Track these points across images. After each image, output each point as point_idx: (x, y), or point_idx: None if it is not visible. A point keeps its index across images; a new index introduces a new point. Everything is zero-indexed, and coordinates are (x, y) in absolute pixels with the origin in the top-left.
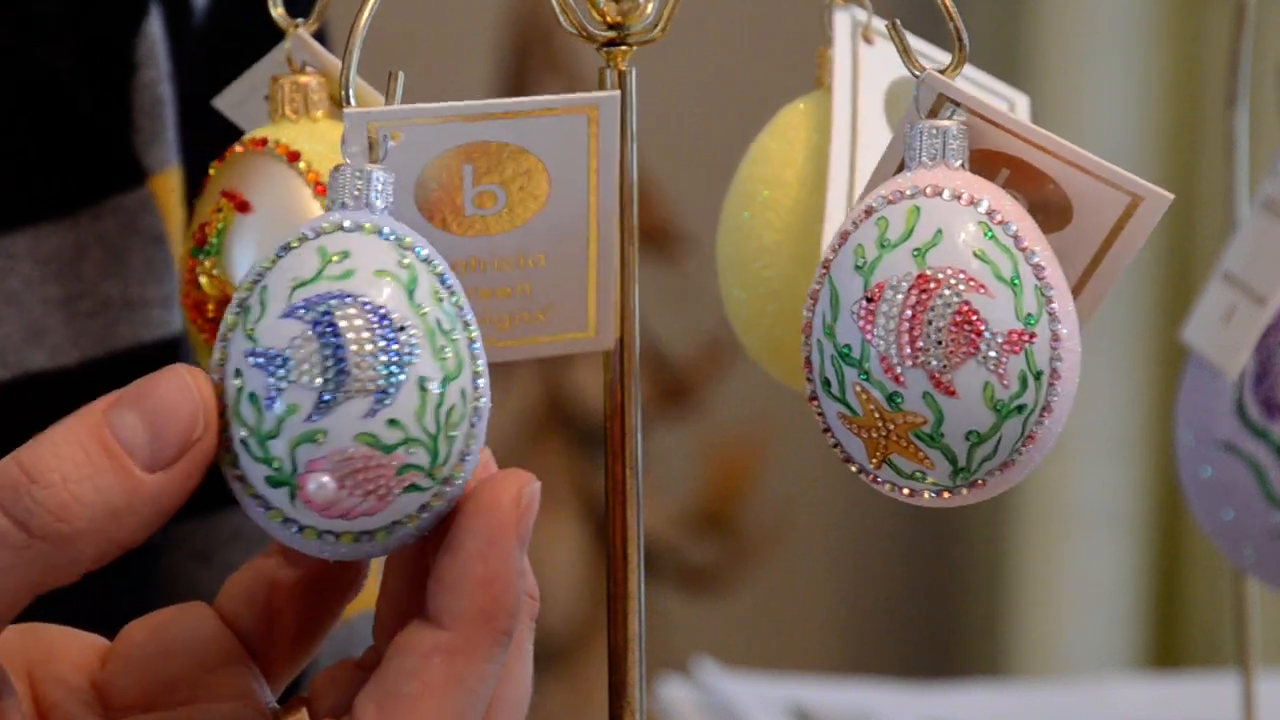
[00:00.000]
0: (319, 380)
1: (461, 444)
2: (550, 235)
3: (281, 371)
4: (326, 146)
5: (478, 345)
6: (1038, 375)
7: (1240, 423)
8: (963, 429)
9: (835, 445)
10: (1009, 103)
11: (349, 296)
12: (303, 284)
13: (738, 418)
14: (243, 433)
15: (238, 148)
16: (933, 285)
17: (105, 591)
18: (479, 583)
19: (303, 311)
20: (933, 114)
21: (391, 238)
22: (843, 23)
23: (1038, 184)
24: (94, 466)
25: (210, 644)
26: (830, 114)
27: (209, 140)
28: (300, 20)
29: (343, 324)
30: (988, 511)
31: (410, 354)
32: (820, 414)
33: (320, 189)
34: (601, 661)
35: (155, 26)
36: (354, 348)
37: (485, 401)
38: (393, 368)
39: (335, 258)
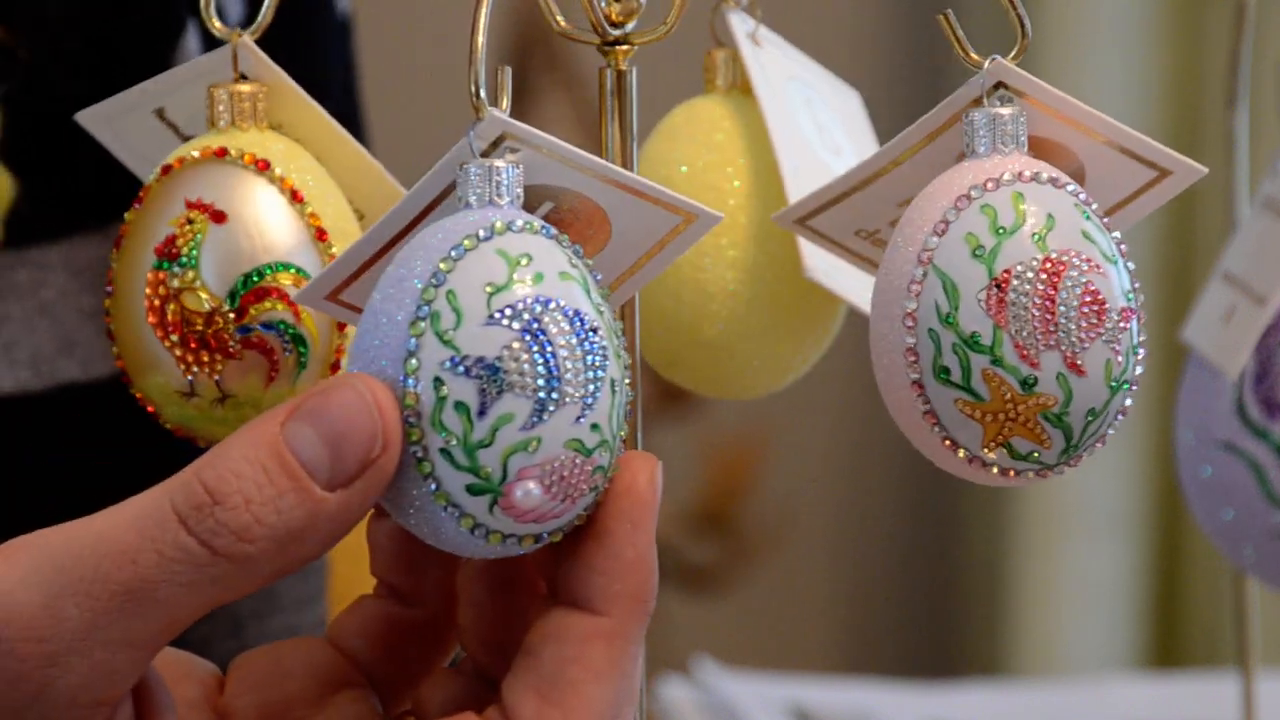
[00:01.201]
0: (534, 389)
1: (623, 440)
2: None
3: (495, 380)
4: (283, 156)
5: (622, 337)
6: (1135, 349)
7: (1240, 422)
8: (1085, 407)
9: (939, 432)
10: (858, 94)
11: (550, 301)
12: (499, 290)
13: (738, 418)
14: (445, 441)
15: (187, 156)
16: (1060, 268)
17: None
18: (629, 566)
19: (509, 320)
20: (977, 103)
21: (553, 236)
22: (738, 25)
23: (1055, 161)
24: (275, 488)
25: (327, 667)
26: (734, 115)
27: None
28: (240, 29)
29: (552, 329)
30: (988, 511)
31: (605, 356)
32: (925, 404)
33: (298, 197)
34: None
35: (192, 42)
36: (565, 353)
37: (630, 393)
38: (596, 371)
39: (522, 261)
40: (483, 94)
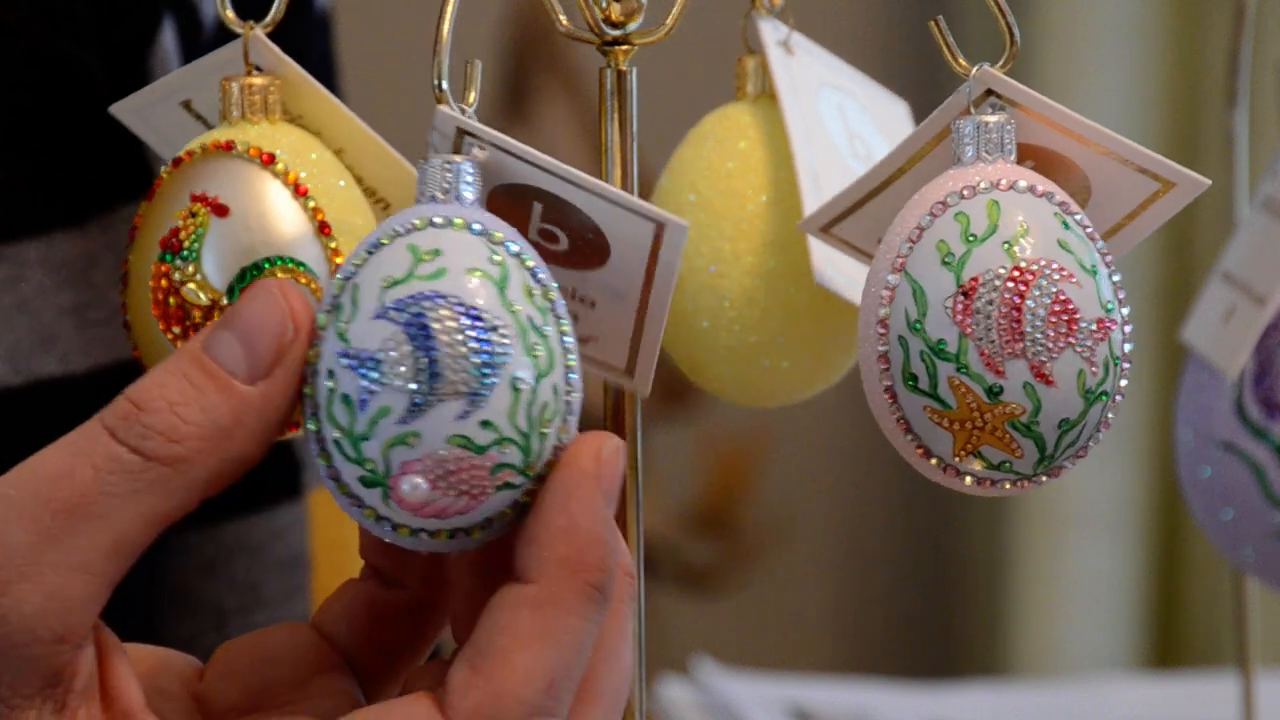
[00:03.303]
0: (412, 384)
1: (554, 439)
2: (604, 291)
3: (374, 374)
4: (290, 149)
5: (570, 339)
6: (1116, 360)
7: (1240, 423)
8: (1057, 417)
9: (912, 440)
10: (905, 104)
11: (441, 297)
12: (395, 283)
13: (738, 418)
14: (335, 434)
15: (197, 149)
16: (1029, 276)
17: (112, 603)
18: (560, 533)
19: (395, 312)
20: (973, 108)
21: (482, 233)
22: (769, 32)
23: (1061, 174)
24: (197, 388)
25: (310, 651)
26: (759, 122)
27: None
28: (253, 22)
29: (435, 326)
30: (988, 511)
31: (503, 354)
32: (898, 410)
33: (301, 191)
34: None
35: (168, 38)
36: (447, 350)
37: (578, 396)
38: (486, 369)
39: (427, 256)
40: (444, 86)
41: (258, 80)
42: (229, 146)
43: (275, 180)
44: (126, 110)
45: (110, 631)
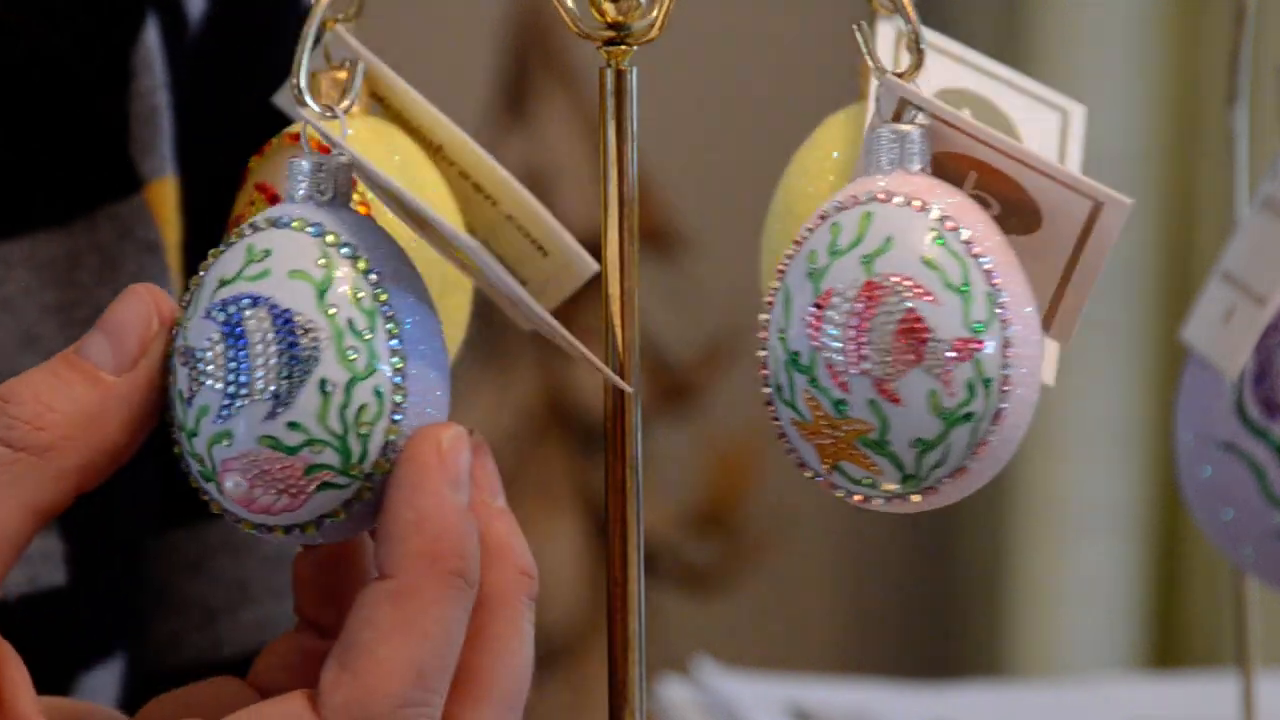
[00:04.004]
0: (221, 384)
1: (380, 440)
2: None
3: (196, 371)
4: (363, 142)
5: (405, 341)
6: (987, 383)
7: (1240, 423)
8: (909, 436)
9: (790, 451)
10: (1063, 112)
11: (259, 299)
12: (224, 283)
13: (738, 418)
14: (174, 428)
15: (274, 141)
16: (879, 292)
17: (97, 603)
18: (410, 526)
19: (217, 312)
20: (896, 118)
21: (319, 234)
22: (885, 34)
23: (1008, 187)
24: (64, 381)
25: (239, 702)
26: (849, 129)
27: (204, 149)
28: (340, 16)
29: (248, 327)
30: (988, 511)
31: (310, 357)
32: (776, 419)
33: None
34: (601, 661)
35: (152, 36)
36: (258, 349)
37: (417, 396)
38: (292, 372)
39: (258, 257)
40: (303, 86)
41: (342, 74)
42: (296, 138)
43: None
44: (281, 99)
45: (1, 638)
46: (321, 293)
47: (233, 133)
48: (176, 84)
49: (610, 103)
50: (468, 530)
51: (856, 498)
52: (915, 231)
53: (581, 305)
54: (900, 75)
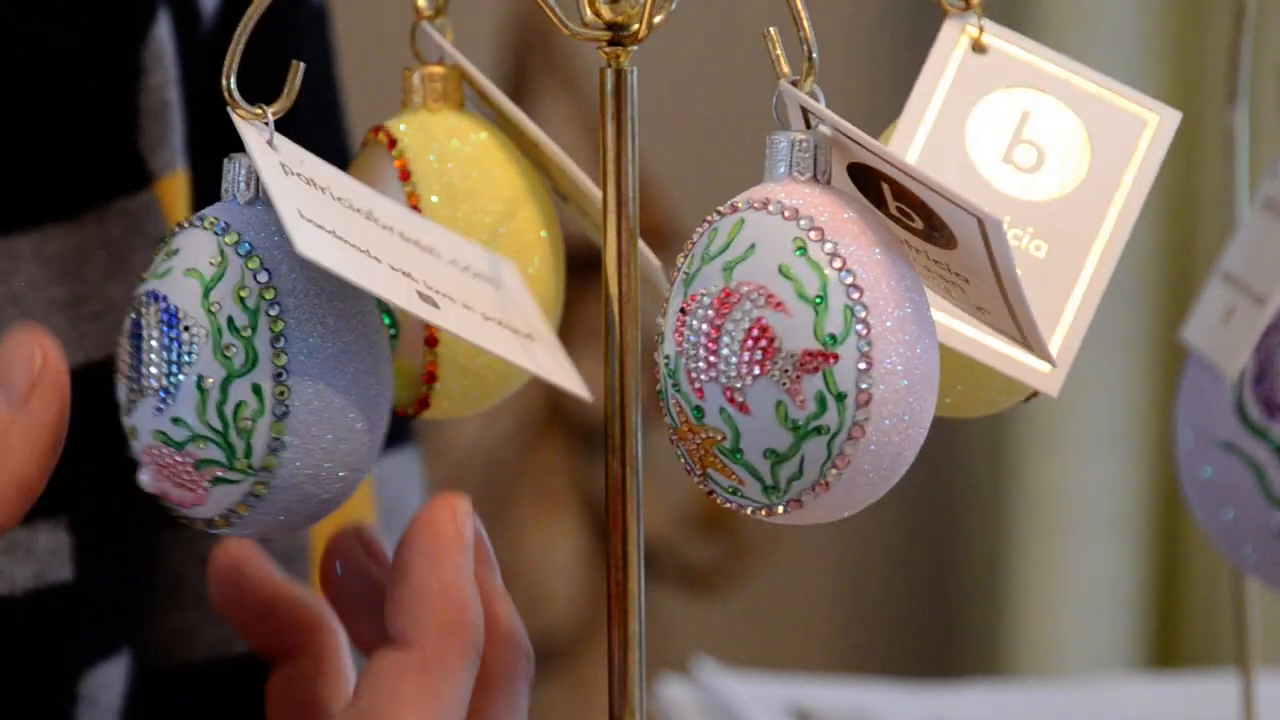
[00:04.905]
0: (125, 380)
1: (265, 436)
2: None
3: (114, 365)
4: (426, 135)
5: (290, 340)
6: (840, 397)
7: (1240, 423)
8: (760, 447)
9: (676, 450)
10: (1140, 120)
11: (157, 295)
12: (141, 280)
13: None
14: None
15: (367, 137)
16: (732, 300)
17: (104, 599)
18: (436, 598)
19: (130, 309)
20: (809, 125)
21: (223, 232)
22: (950, 32)
23: (917, 201)
24: None
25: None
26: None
27: (216, 144)
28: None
29: (146, 323)
30: (987, 511)
31: (189, 353)
32: (667, 418)
33: (404, 176)
34: (601, 661)
35: (163, 30)
36: (154, 346)
37: (305, 396)
38: (173, 367)
39: (169, 255)
40: (233, 85)
41: (434, 69)
42: (377, 132)
43: (391, 164)
44: None
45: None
46: (207, 290)
47: None
48: (188, 79)
49: (610, 103)
50: (479, 603)
51: (732, 506)
52: (778, 241)
53: (582, 305)
54: (795, 83)
